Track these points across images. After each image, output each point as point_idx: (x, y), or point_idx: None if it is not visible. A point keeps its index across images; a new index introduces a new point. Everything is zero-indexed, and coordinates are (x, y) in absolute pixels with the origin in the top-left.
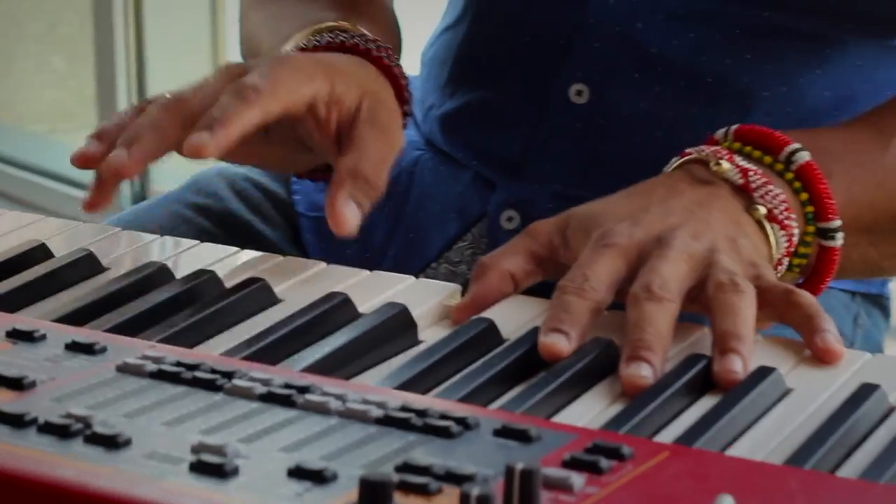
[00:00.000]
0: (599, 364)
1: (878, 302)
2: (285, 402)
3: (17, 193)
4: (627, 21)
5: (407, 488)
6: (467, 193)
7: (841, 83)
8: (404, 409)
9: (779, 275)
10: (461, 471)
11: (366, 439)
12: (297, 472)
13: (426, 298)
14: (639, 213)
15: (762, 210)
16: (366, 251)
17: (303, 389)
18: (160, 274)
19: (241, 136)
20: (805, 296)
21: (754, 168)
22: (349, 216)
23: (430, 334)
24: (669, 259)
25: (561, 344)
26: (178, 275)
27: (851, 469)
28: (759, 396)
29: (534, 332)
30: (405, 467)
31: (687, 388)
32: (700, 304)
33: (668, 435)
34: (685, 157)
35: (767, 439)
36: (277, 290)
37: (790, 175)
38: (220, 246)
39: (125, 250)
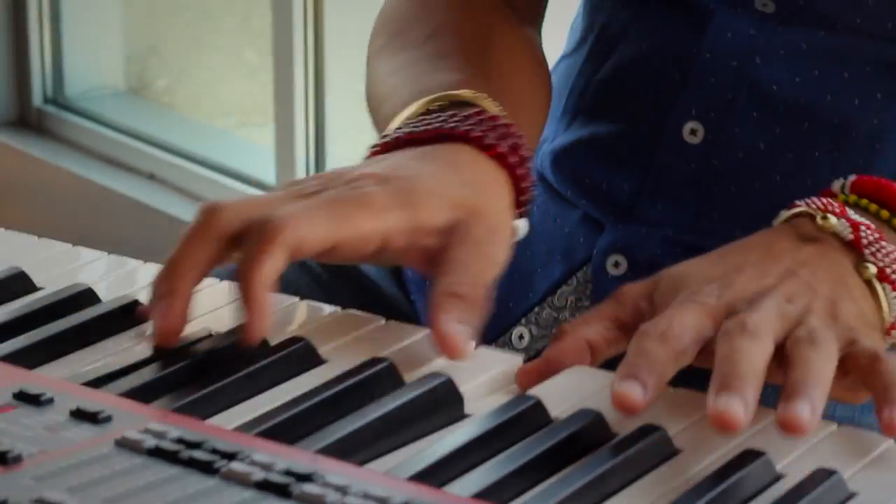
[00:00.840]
0: (646, 455)
1: None
2: (282, 492)
3: (200, 191)
4: (745, 56)
5: None
6: (575, 234)
7: None
8: None
9: (893, 339)
10: None
11: None
12: None
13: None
14: (732, 274)
15: (872, 269)
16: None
17: (304, 478)
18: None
19: (265, 295)
20: (888, 363)
21: (867, 223)
22: (457, 335)
23: (480, 407)
24: (759, 311)
25: (635, 394)
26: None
27: None
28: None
29: (581, 414)
30: None
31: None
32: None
33: None
34: (793, 210)
35: None
36: (323, 350)
37: None
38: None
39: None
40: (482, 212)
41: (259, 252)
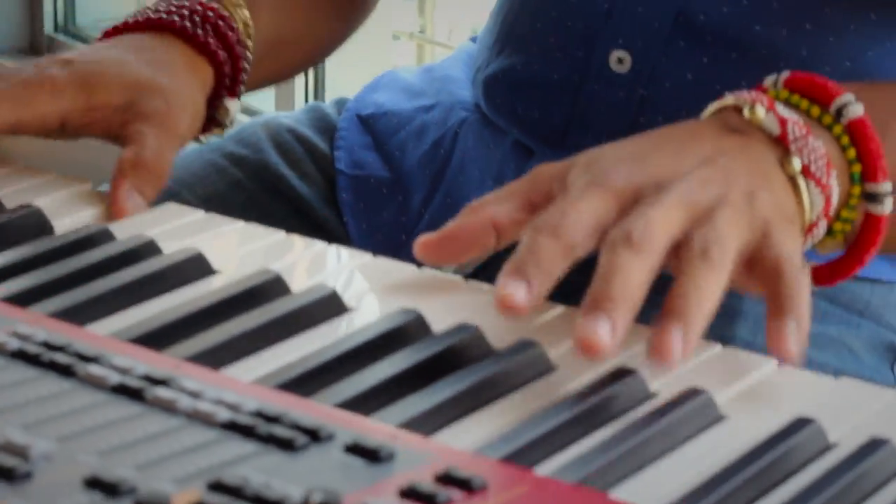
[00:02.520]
0: (519, 370)
1: None
2: (135, 395)
3: None
4: None
5: None
6: (506, 160)
7: None
8: (257, 413)
9: (815, 239)
10: (274, 494)
11: (199, 446)
12: (93, 483)
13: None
14: (649, 154)
15: (797, 164)
16: (402, 214)
17: (159, 382)
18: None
19: None
20: (792, 272)
21: (796, 118)
22: (130, 205)
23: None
24: (662, 205)
25: (519, 294)
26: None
27: None
28: (682, 422)
29: (460, 329)
30: (215, 485)
31: (601, 409)
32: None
33: (556, 463)
34: (722, 102)
35: (678, 474)
36: (218, 263)
37: (839, 129)
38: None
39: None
40: (160, 88)
41: None
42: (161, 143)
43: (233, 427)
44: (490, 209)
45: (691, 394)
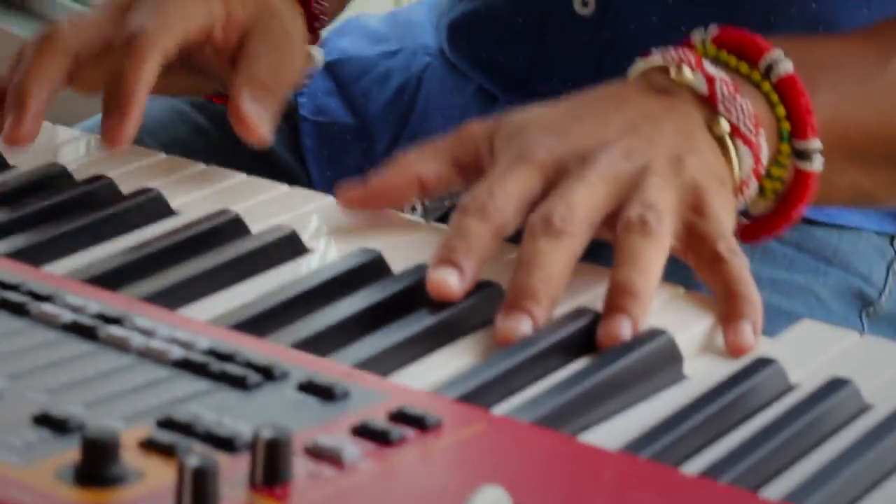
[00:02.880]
0: (478, 311)
1: None
2: (87, 333)
3: None
4: None
5: (152, 447)
6: (470, 106)
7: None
8: (210, 351)
9: (746, 199)
10: (225, 431)
11: (150, 384)
12: (42, 419)
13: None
14: (571, 123)
15: (725, 125)
16: (366, 160)
17: (113, 321)
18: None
19: (144, 98)
20: (735, 265)
21: (724, 77)
22: (255, 117)
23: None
24: (585, 181)
25: (451, 281)
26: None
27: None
28: (641, 363)
29: (420, 269)
30: (165, 422)
31: (560, 349)
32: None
33: (513, 403)
34: (648, 62)
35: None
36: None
37: (767, 86)
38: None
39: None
40: (279, 13)
41: (136, 61)
42: (277, 65)
43: (185, 365)
44: (416, 165)
45: (653, 334)
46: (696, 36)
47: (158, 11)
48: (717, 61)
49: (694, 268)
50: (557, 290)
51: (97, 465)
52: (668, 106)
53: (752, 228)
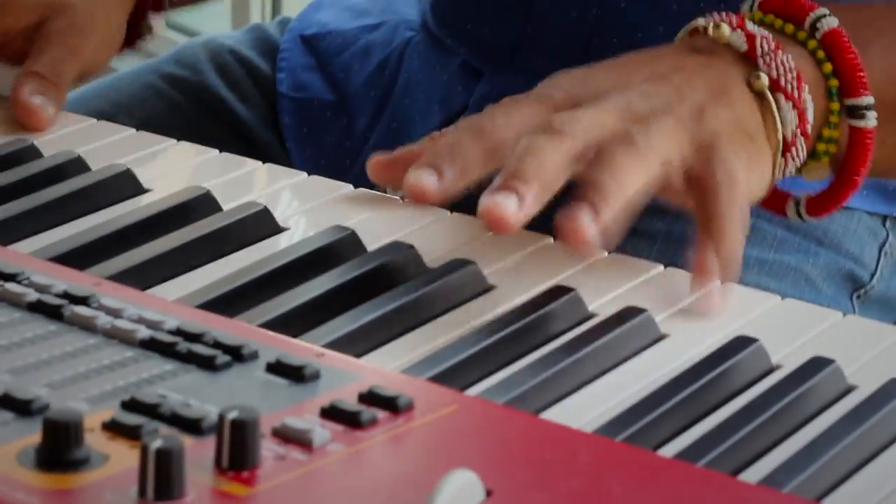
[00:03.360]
0: (453, 290)
1: None
2: (52, 313)
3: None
4: None
5: (116, 429)
6: (452, 82)
7: None
8: (178, 331)
9: (797, 161)
10: (191, 413)
11: (116, 365)
12: (5, 401)
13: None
14: (598, 71)
15: (765, 79)
16: (346, 138)
17: (79, 300)
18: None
19: None
20: (727, 192)
21: (765, 34)
22: (38, 105)
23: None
24: (595, 107)
25: (426, 181)
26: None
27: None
28: (620, 340)
29: (394, 246)
30: (129, 404)
31: (537, 329)
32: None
33: (488, 384)
34: (692, 25)
35: (615, 394)
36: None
37: (813, 43)
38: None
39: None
40: (69, 7)
41: None
42: (58, 60)
43: (152, 345)
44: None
45: (631, 312)
46: (745, 4)
47: None
48: (761, 24)
49: (695, 214)
50: (550, 181)
51: (59, 448)
52: (704, 62)
53: (817, 200)
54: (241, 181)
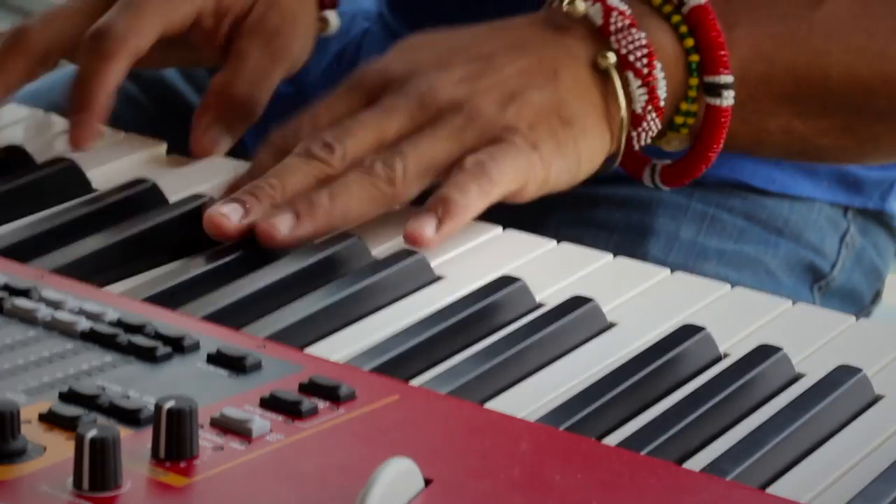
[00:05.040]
0: (399, 281)
1: (879, 219)
2: None
3: None
4: None
5: (54, 420)
6: None
7: None
8: (118, 323)
9: (649, 133)
10: (129, 404)
11: (56, 357)
12: None
13: None
14: (426, 48)
15: (612, 58)
16: None
17: (20, 293)
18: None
19: (107, 100)
20: (460, 181)
21: (622, 8)
22: (208, 145)
23: None
24: (383, 110)
25: (231, 219)
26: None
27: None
28: (567, 330)
29: (342, 237)
30: (68, 395)
31: (481, 318)
32: None
33: (432, 374)
34: None
35: (561, 383)
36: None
37: (677, 18)
38: None
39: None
40: (280, 1)
41: (102, 61)
42: (263, 68)
43: (92, 337)
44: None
45: (577, 302)
46: None
47: (134, 5)
48: None
49: None
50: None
51: None
52: (547, 39)
53: (672, 169)
54: (188, 173)
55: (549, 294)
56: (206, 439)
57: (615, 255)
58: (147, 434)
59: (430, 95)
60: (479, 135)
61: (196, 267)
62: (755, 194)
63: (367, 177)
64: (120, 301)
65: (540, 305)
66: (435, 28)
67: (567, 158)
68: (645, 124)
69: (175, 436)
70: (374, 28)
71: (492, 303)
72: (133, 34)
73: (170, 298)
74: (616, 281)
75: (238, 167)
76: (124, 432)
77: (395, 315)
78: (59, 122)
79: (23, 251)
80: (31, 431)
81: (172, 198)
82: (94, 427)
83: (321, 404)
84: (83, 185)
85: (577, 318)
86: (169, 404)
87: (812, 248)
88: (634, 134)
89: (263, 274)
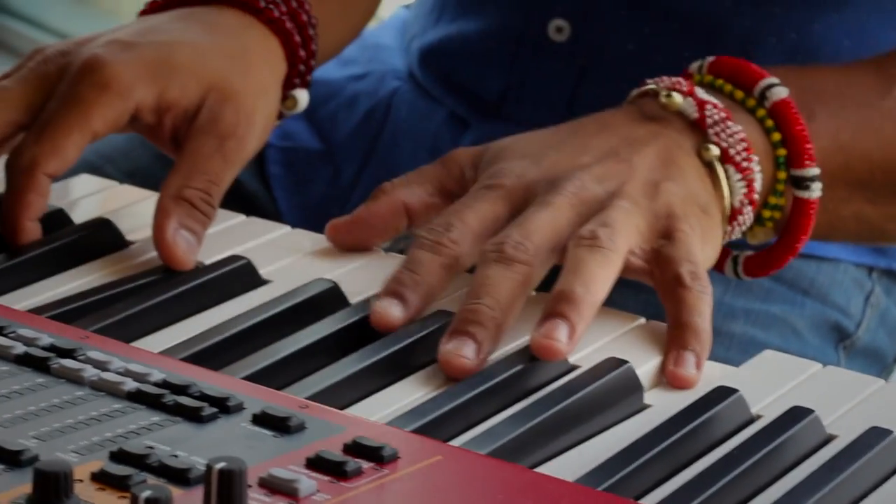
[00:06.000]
0: (435, 342)
1: None
2: (40, 366)
3: None
4: None
5: (105, 480)
6: (440, 132)
7: (863, 30)
8: (164, 383)
9: (742, 228)
10: (179, 464)
11: (104, 417)
12: None
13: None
14: (548, 149)
15: (715, 150)
16: (334, 187)
17: (66, 353)
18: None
19: (34, 222)
20: (692, 293)
21: (715, 102)
22: (182, 248)
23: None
24: (549, 206)
25: (393, 312)
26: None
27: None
28: (601, 393)
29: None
30: (118, 455)
31: (519, 381)
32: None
33: (470, 435)
34: (642, 88)
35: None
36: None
37: (762, 112)
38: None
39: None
40: (236, 95)
41: (24, 192)
42: (216, 172)
43: (139, 397)
44: (402, 192)
45: (613, 364)
46: (694, 65)
47: (51, 125)
48: (711, 87)
49: (657, 291)
50: (506, 316)
51: (50, 498)
52: (655, 132)
53: (755, 260)
54: (224, 234)
55: (581, 357)
56: (255, 499)
57: (644, 315)
58: (196, 494)
59: (586, 192)
60: (652, 222)
61: (235, 326)
62: None
63: (598, 251)
64: (163, 361)
65: (575, 368)
66: (464, 83)
67: (711, 246)
68: (741, 217)
69: (225, 496)
70: (404, 87)
71: (525, 367)
72: (53, 157)
73: (210, 358)
74: (650, 345)
75: (267, 227)
76: (175, 492)
77: (433, 376)
78: (97, 183)
79: (66, 312)
80: (84, 491)
81: (208, 259)
82: (148, 488)
83: (365, 465)
84: (121, 244)
85: (611, 379)
86: (220, 465)
87: (837, 308)
88: (729, 228)
89: (302, 335)
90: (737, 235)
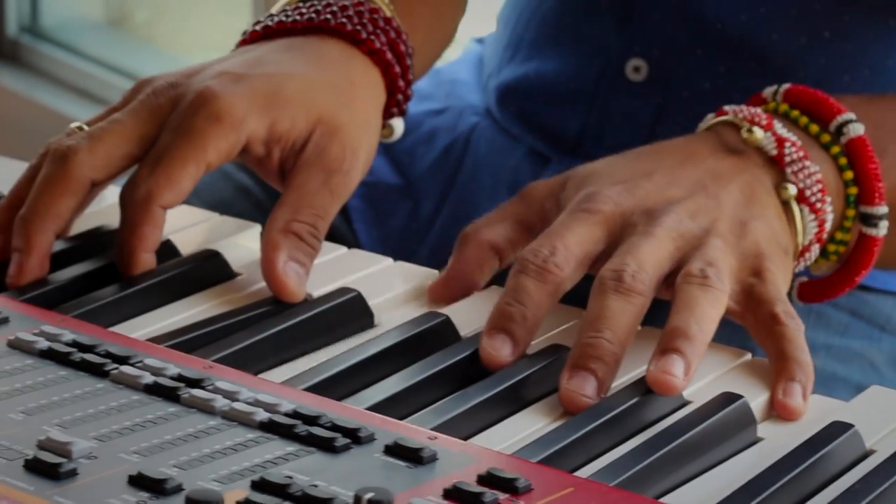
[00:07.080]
0: (551, 374)
1: None
2: (170, 395)
3: None
4: None
5: None
6: (521, 167)
7: None
8: (295, 414)
9: (807, 262)
10: (321, 493)
11: (238, 446)
12: (138, 480)
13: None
14: (640, 178)
15: (792, 190)
16: (413, 220)
17: (194, 383)
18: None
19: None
20: (791, 329)
21: (793, 139)
22: (293, 280)
23: (391, 321)
24: (653, 237)
25: (503, 353)
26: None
27: None
28: (718, 427)
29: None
30: (260, 484)
31: (638, 413)
32: (670, 293)
33: (595, 467)
34: (720, 118)
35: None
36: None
37: (837, 149)
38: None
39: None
40: (343, 128)
41: (140, 226)
42: (322, 206)
43: (271, 427)
44: (486, 233)
45: (729, 398)
46: (768, 90)
47: (165, 157)
48: (787, 118)
49: (750, 329)
50: (623, 349)
51: None
52: (738, 167)
53: (812, 289)
54: (327, 266)
55: (692, 392)
56: None
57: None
58: None
59: (683, 227)
60: (742, 261)
61: (351, 358)
62: (859, 290)
63: (708, 289)
64: (288, 391)
65: (688, 402)
66: (542, 122)
67: (786, 282)
68: (808, 254)
69: None
70: (483, 123)
71: (642, 400)
72: (169, 189)
73: (326, 389)
74: (755, 379)
75: (369, 259)
76: None
77: (549, 407)
78: (196, 214)
79: (190, 342)
80: None
81: (318, 291)
82: None
83: (501, 496)
84: (229, 275)
85: (727, 413)
86: (369, 495)
87: None
88: (796, 262)
89: (416, 368)
90: (800, 269)
